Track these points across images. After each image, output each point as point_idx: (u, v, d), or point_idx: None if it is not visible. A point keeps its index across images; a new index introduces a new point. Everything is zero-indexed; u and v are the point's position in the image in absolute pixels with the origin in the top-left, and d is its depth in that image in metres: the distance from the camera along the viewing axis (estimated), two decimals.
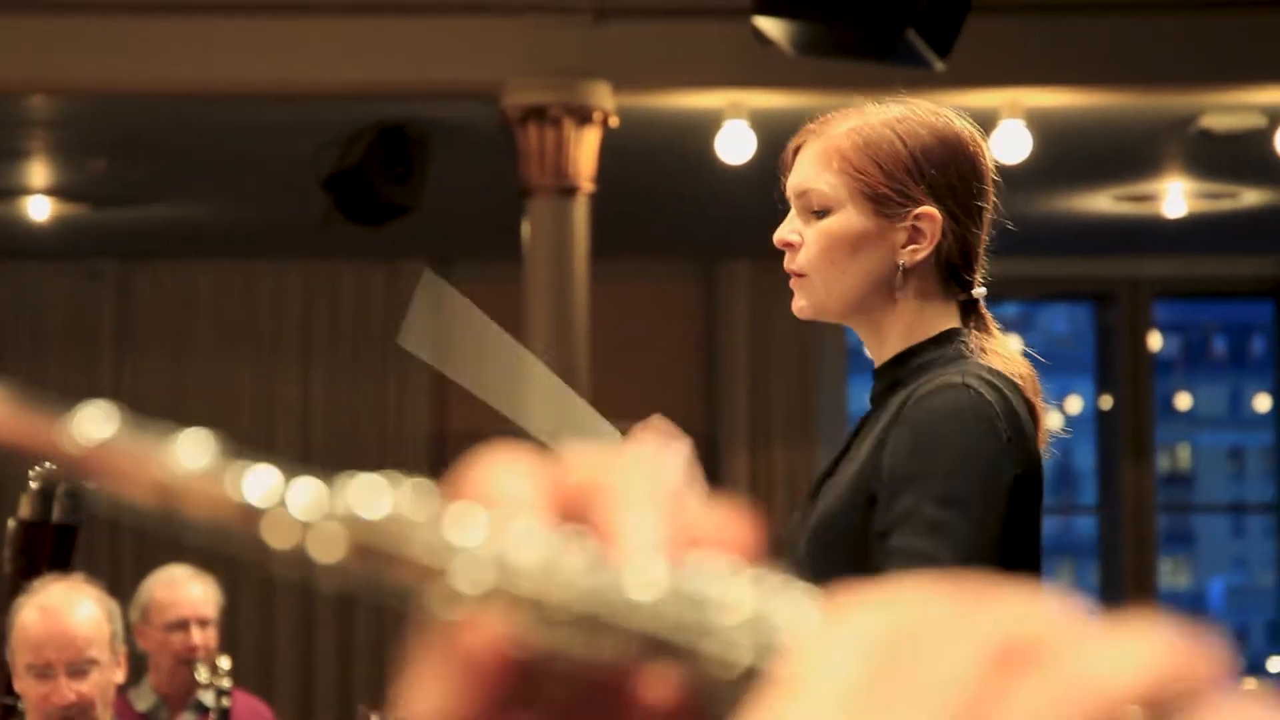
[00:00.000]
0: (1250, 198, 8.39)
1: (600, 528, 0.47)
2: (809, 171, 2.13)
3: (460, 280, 10.67)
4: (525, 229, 6.91)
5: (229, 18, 6.66)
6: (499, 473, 0.49)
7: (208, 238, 9.02)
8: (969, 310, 2.15)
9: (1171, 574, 23.80)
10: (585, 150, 6.79)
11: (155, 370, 9.29)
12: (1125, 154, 7.75)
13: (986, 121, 6.99)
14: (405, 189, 7.22)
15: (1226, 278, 9.91)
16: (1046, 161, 7.35)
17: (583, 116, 6.75)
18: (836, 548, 2.03)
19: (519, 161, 6.81)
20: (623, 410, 9.33)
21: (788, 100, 6.81)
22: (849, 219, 2.10)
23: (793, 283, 2.14)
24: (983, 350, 2.10)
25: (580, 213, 6.84)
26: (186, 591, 4.80)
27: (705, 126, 6.92)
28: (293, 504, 0.47)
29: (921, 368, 2.09)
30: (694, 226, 8.67)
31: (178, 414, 9.29)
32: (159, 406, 9.27)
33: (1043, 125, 6.95)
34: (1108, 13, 6.79)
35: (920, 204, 2.10)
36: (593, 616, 0.45)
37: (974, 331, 2.13)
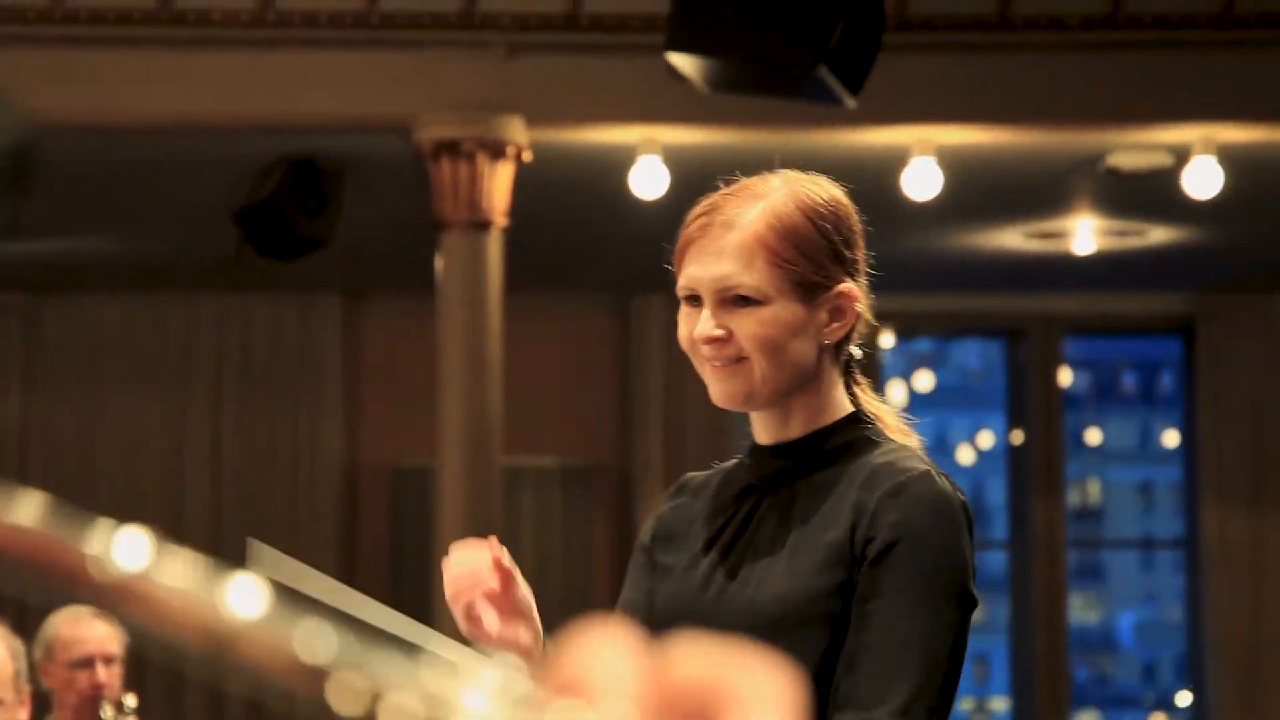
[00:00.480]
0: (1158, 235, 8.49)
1: None
2: (734, 266, 2.09)
3: (374, 314, 10.61)
4: (439, 263, 6.90)
5: (139, 50, 6.63)
6: (603, 659, 0.46)
7: (118, 270, 8.95)
8: (847, 368, 2.17)
9: (1081, 609, 23.99)
10: (499, 184, 6.79)
11: (64, 406, 9.20)
12: (1035, 191, 7.83)
13: (898, 158, 7.08)
14: (318, 222, 7.19)
15: (1136, 314, 10.03)
16: (957, 198, 7.42)
17: (496, 150, 6.75)
18: (810, 629, 2.01)
19: (432, 195, 6.80)
20: (538, 445, 9.33)
21: (701, 136, 6.85)
22: (785, 310, 2.09)
23: (721, 372, 2.11)
24: (892, 419, 2.14)
25: (494, 247, 6.84)
26: (91, 628, 4.75)
27: (619, 161, 6.94)
28: (368, 672, 0.44)
29: (837, 451, 2.10)
30: (608, 261, 8.69)
31: (87, 450, 9.23)
32: (68, 443, 9.18)
33: (954, 162, 7.02)
34: (1019, 51, 6.88)
35: (839, 282, 2.10)
36: None
37: (859, 393, 2.15)
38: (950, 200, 7.31)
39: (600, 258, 8.71)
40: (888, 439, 2.12)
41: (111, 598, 0.45)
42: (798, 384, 2.11)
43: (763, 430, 2.15)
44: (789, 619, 2.01)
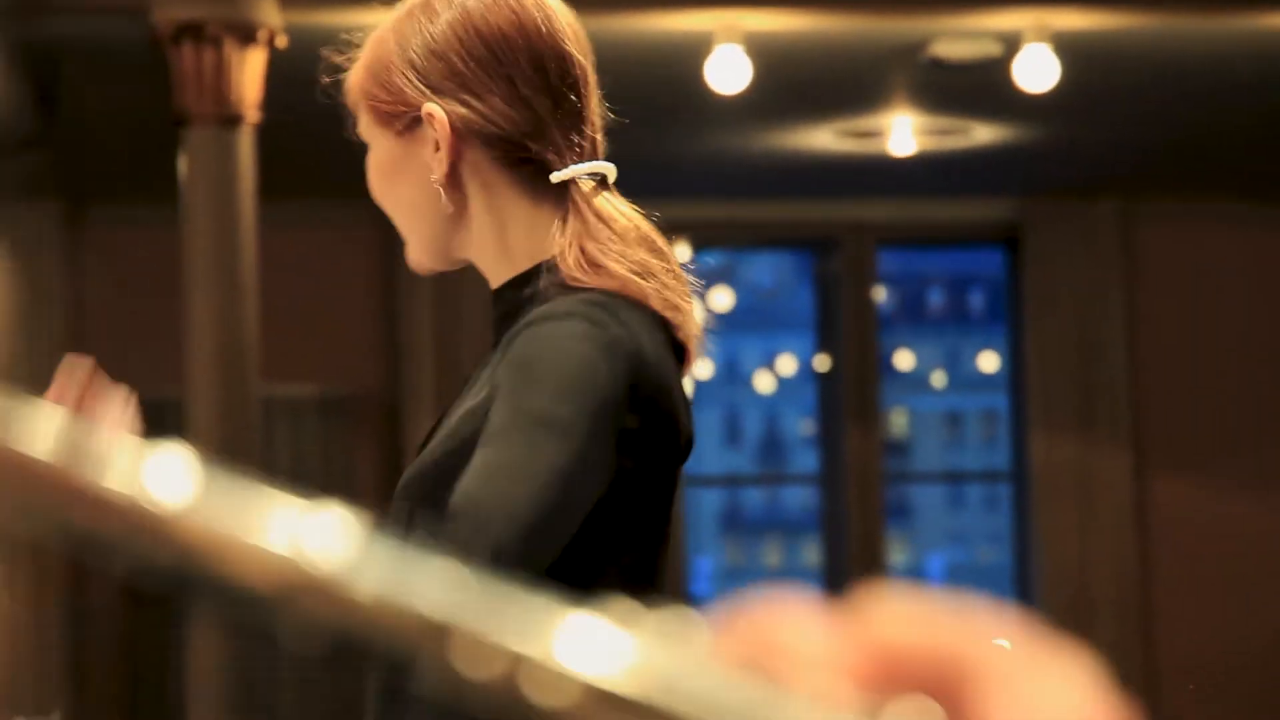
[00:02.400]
0: (983, 134, 8.56)
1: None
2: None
3: (105, 223, 10.35)
4: (181, 165, 6.71)
5: None
6: (787, 628, 0.42)
7: None
8: (564, 194, 2.01)
9: (891, 551, 24.45)
10: (250, 74, 6.62)
11: None
12: (850, 84, 7.83)
13: (701, 47, 7.03)
14: (36, 118, 6.97)
15: (956, 223, 10.13)
16: (765, 92, 7.39)
17: (246, 35, 6.57)
18: (432, 497, 1.88)
19: (172, 87, 6.61)
20: (297, 372, 9.17)
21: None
22: (378, 149, 2.05)
23: None
24: (583, 256, 1.96)
25: (245, 146, 6.66)
26: None
27: None
28: (499, 629, 0.38)
29: (529, 300, 1.97)
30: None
31: None
32: None
33: (761, 51, 6.98)
34: None
35: (419, 107, 2.01)
36: None
37: (572, 223, 1.99)
38: (757, 95, 7.29)
39: (358, 162, 8.56)
40: (574, 290, 1.95)
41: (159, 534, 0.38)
42: (439, 230, 2.03)
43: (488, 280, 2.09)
44: (410, 490, 1.91)
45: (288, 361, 8.74)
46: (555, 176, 2.00)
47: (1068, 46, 7.08)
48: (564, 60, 2.03)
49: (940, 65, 7.41)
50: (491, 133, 2.00)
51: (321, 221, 9.20)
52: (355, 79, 2.06)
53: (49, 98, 7.02)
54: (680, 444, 1.95)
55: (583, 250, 1.96)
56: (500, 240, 2.02)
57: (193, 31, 6.54)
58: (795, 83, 7.68)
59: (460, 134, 2.00)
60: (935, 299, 22.83)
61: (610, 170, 2.04)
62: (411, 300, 9.27)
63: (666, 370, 1.93)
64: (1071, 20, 7.01)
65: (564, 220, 1.99)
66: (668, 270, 1.99)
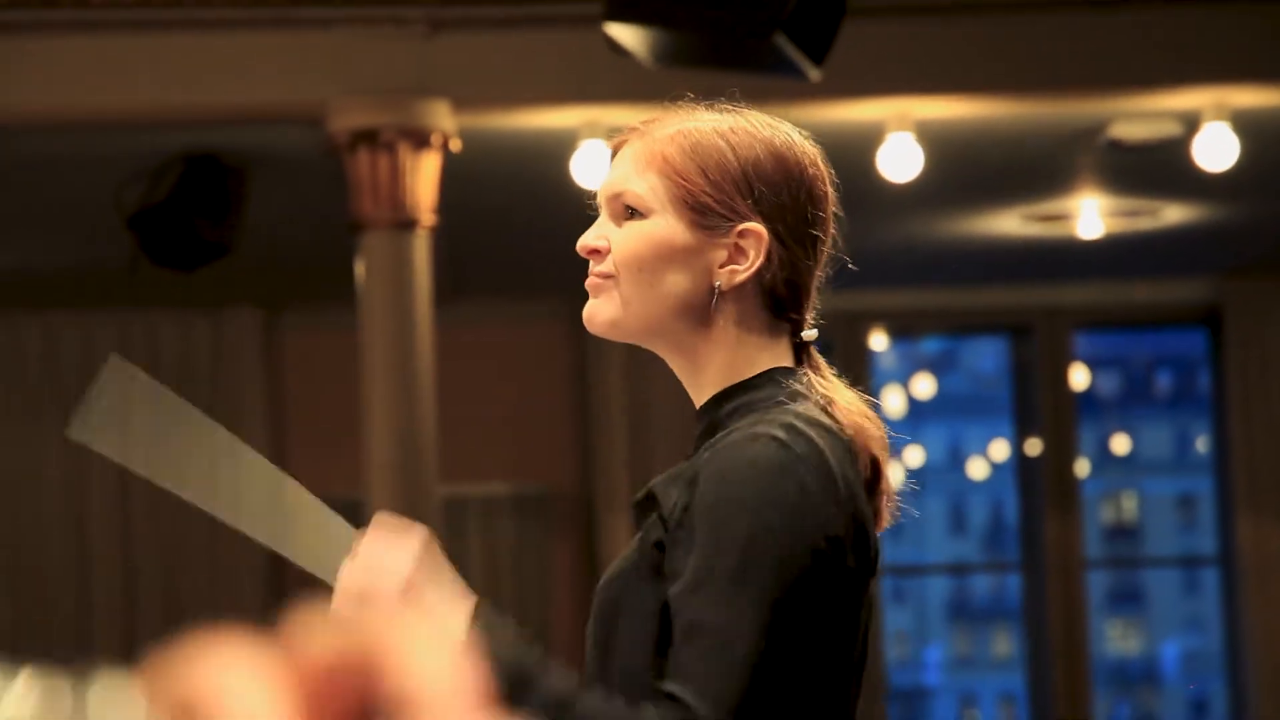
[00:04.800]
0: (1172, 214, 8.49)
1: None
2: (627, 171, 2.12)
3: (294, 329, 10.58)
4: (359, 268, 6.88)
5: (9, 37, 6.60)
6: (226, 676, 0.44)
7: (0, 288, 8.93)
8: (799, 355, 2.13)
9: (1120, 638, 23.96)
10: (424, 178, 6.77)
11: None
12: (1029, 169, 7.83)
13: (873, 136, 7.07)
14: (222, 227, 7.17)
15: (1154, 304, 10.03)
16: (942, 179, 7.41)
17: (420, 140, 6.73)
18: (621, 605, 2.00)
19: (349, 193, 6.78)
20: (489, 471, 9.27)
21: (648, 117, 6.83)
22: (667, 228, 2.09)
23: (593, 287, 2.12)
24: (811, 392, 2.07)
25: (421, 248, 6.81)
26: None
27: (559, 147, 6.93)
28: None
29: (735, 411, 2.06)
30: (554, 259, 8.66)
31: None
32: None
33: (935, 139, 7.01)
34: (1001, 12, 6.87)
35: (745, 220, 2.08)
36: None
37: (807, 373, 2.10)
38: (934, 182, 7.30)
39: (544, 256, 8.68)
40: (784, 405, 2.05)
41: None
42: (681, 325, 2.09)
43: (689, 390, 2.15)
44: (608, 606, 2.02)
45: (480, 460, 8.87)
46: (806, 336, 2.12)
47: (1247, 124, 7.02)
48: (833, 233, 2.16)
49: (1120, 147, 7.38)
50: (780, 277, 2.10)
51: (501, 317, 9.33)
52: (665, 153, 2.10)
53: (236, 207, 7.24)
54: (871, 558, 2.05)
55: (830, 398, 2.08)
56: (739, 363, 2.10)
57: (367, 138, 6.71)
58: (972, 168, 7.69)
59: (764, 264, 2.09)
60: (1156, 381, 22.47)
61: (813, 335, 2.15)
62: (602, 396, 9.37)
63: (856, 491, 2.03)
64: (1250, 98, 6.95)
65: (814, 369, 2.11)
66: (875, 424, 2.10)
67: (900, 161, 7.01)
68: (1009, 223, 8.56)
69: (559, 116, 6.87)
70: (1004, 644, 23.36)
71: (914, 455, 16.40)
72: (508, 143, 7.09)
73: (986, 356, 21.84)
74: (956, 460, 21.38)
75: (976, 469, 21.97)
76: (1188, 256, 9.33)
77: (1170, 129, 7.20)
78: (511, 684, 1.86)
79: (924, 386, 13.56)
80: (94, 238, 7.68)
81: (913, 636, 23.24)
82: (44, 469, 9.18)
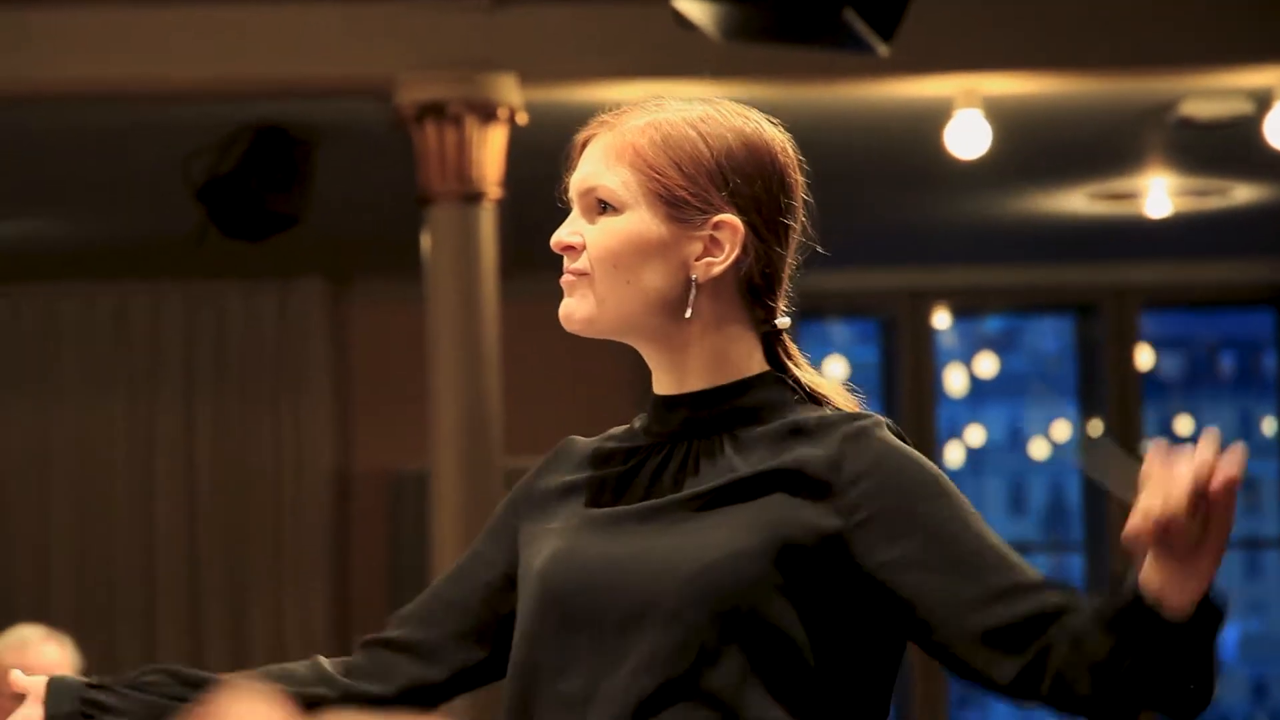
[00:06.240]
0: (1242, 194, 8.43)
1: None
2: (597, 167, 2.11)
3: (362, 300, 10.59)
4: (425, 241, 6.90)
5: (82, 8, 6.63)
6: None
7: (69, 257, 8.97)
8: (771, 343, 2.14)
9: None
10: (490, 151, 6.78)
11: (16, 411, 9.22)
12: (1098, 147, 7.78)
13: (940, 112, 7.04)
14: (289, 198, 7.20)
15: (1222, 284, 9.97)
16: (1010, 156, 7.38)
17: (486, 113, 6.74)
18: (741, 598, 2.01)
19: (416, 165, 6.80)
20: (545, 445, 9.26)
21: (716, 91, 6.82)
22: (641, 220, 2.08)
23: (568, 285, 2.12)
24: (813, 390, 2.13)
25: (487, 221, 6.83)
26: (39, 654, 4.78)
27: None
28: None
29: (760, 409, 2.10)
30: None
31: (42, 460, 9.24)
32: (21, 452, 9.20)
33: (1003, 115, 6.98)
34: None
35: (720, 211, 2.08)
36: None
37: (792, 367, 2.14)
38: (1001, 159, 7.27)
39: None
40: (825, 404, 2.13)
41: None
42: (657, 320, 2.09)
43: (661, 383, 2.14)
44: (728, 587, 2.00)
45: (545, 433, 8.87)
46: (780, 324, 2.14)
47: None
48: (803, 220, 2.17)
49: (1190, 125, 7.33)
50: (756, 268, 2.10)
51: None
52: (637, 146, 2.10)
53: (303, 178, 7.26)
54: None
55: (824, 394, 2.14)
56: (721, 352, 2.11)
57: (435, 111, 6.72)
58: (1039, 146, 7.65)
59: (740, 256, 2.10)
60: (1224, 361, 22.36)
61: (786, 323, 2.17)
62: None
63: None
64: None
65: (790, 359, 2.14)
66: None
67: (968, 138, 6.98)
68: (1076, 201, 8.52)
69: (624, 90, 6.86)
70: None
71: (975, 435, 16.31)
72: (574, 116, 7.06)
73: (1048, 336, 21.76)
74: (1017, 441, 21.32)
75: (1038, 449, 21.90)
76: (1256, 237, 9.27)
77: (1242, 107, 7.15)
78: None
79: (986, 365, 13.52)
80: (163, 208, 7.72)
81: None
82: (112, 437, 9.24)
